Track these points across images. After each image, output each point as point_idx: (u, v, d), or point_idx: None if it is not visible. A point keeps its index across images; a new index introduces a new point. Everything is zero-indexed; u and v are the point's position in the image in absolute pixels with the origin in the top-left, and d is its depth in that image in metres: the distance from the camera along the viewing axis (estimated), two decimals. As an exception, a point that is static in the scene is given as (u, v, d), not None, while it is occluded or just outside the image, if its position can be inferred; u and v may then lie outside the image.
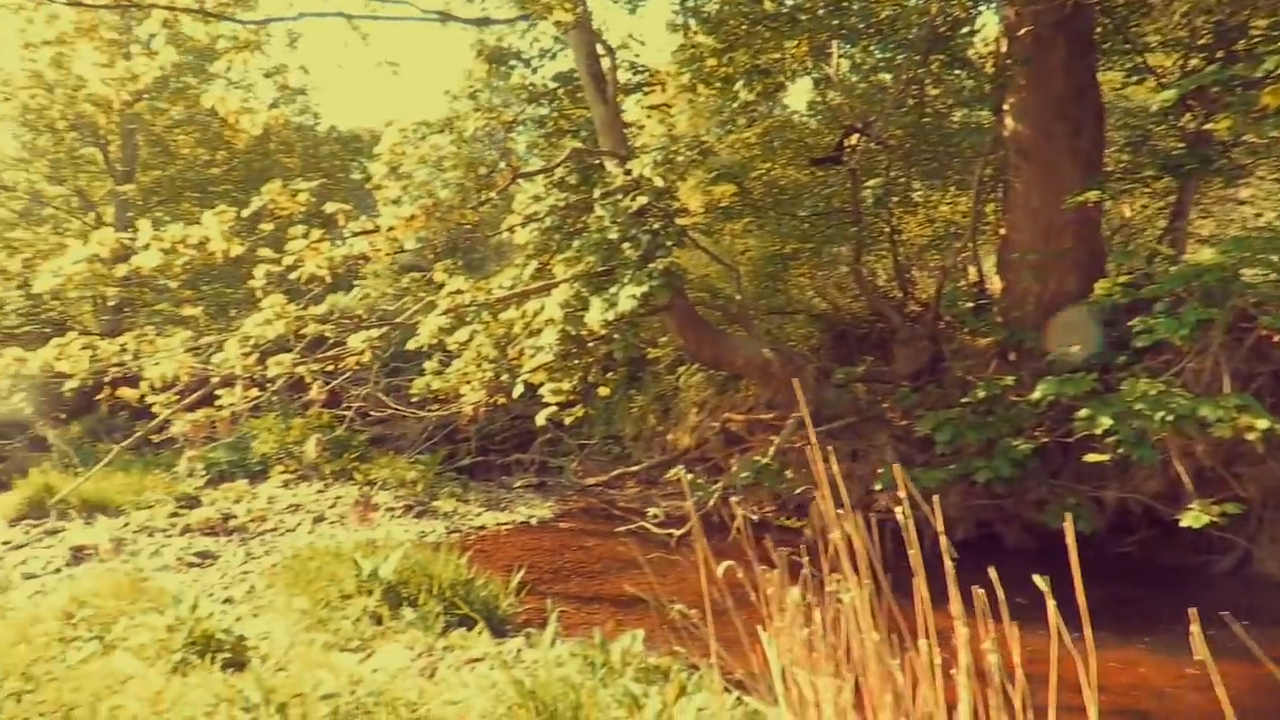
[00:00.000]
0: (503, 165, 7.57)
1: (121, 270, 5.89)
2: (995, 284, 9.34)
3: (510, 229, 8.54)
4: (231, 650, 4.53)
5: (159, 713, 2.97)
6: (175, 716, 2.96)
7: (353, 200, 9.17)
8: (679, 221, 8.15)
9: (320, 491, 10.80)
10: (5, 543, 9.46)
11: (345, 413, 10.50)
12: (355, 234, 6.58)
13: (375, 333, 6.69)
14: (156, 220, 15.36)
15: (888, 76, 9.74)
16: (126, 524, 9.56)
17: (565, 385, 8.75)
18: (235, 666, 4.36)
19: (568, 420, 9.36)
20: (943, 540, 2.04)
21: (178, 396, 7.90)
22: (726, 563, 2.94)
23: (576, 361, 8.62)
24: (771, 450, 7.60)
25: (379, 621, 5.38)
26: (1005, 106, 7.86)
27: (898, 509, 2.23)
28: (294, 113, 17.22)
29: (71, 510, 9.79)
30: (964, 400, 7.35)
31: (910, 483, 2.41)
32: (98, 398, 7.88)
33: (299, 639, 4.90)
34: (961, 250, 9.66)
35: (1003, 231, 8.54)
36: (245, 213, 5.95)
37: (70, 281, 5.84)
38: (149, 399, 7.69)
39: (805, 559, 2.63)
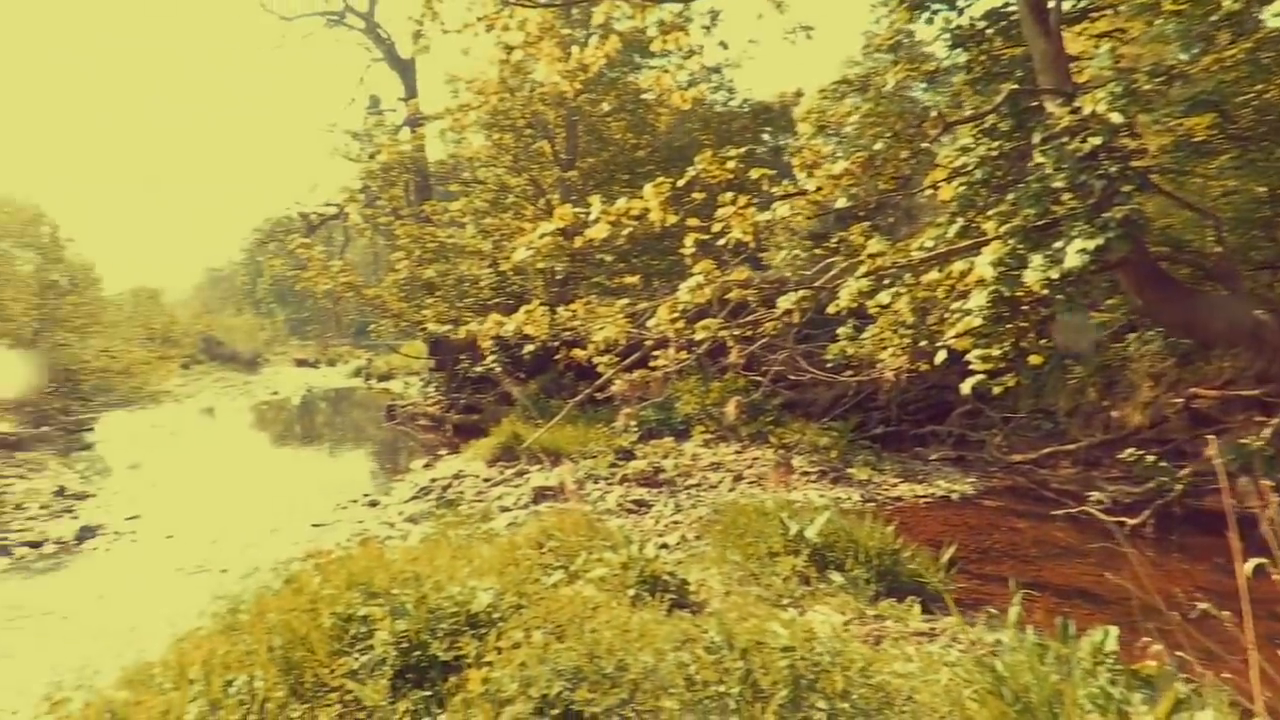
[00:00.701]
0: (934, 113, 7.12)
1: (578, 241, 6.57)
2: None
3: (934, 185, 8.04)
4: (676, 592, 4.86)
5: (630, 640, 3.26)
6: (645, 645, 3.22)
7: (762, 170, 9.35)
8: (1135, 164, 7.02)
9: (738, 452, 11.31)
10: (486, 479, 11.31)
11: (759, 378, 10.83)
12: (782, 196, 6.63)
13: (801, 295, 6.70)
14: (589, 203, 17.37)
15: None
16: (575, 471, 10.86)
17: (995, 352, 8.07)
18: (681, 607, 4.67)
19: (995, 391, 8.65)
20: None
21: (617, 358, 8.71)
22: (1257, 560, 2.43)
23: (1008, 325, 7.89)
24: (1268, 431, 6.27)
25: (807, 582, 5.43)
26: None
27: None
28: (709, 90, 18.19)
29: (533, 456, 11.36)
30: None
31: None
32: (556, 358, 8.97)
33: (734, 589, 5.12)
34: None
35: None
36: (680, 182, 6.29)
37: (539, 253, 6.65)
38: (595, 360, 8.57)
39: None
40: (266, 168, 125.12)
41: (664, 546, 7.29)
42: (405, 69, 23.51)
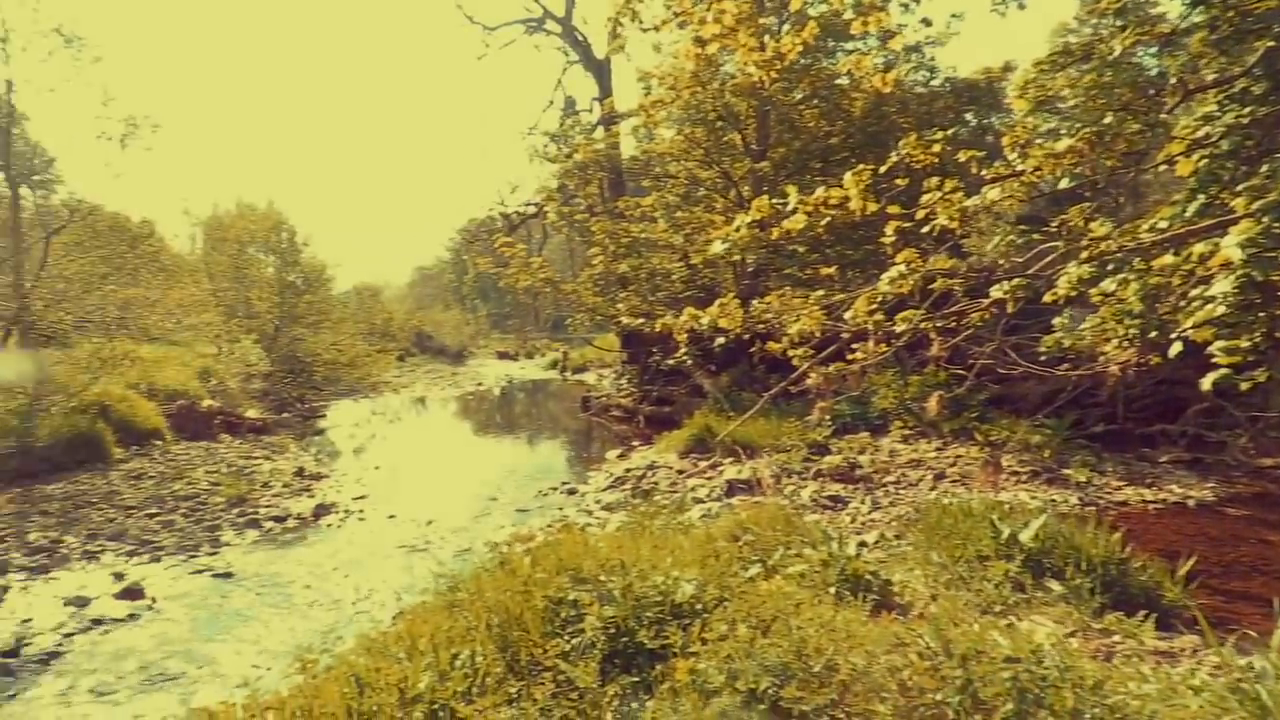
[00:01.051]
0: (1172, 80, 6.45)
1: (775, 233, 6.50)
2: None
3: (1169, 160, 7.30)
4: (879, 593, 4.73)
5: (836, 639, 3.20)
6: (854, 646, 3.16)
7: (971, 151, 8.82)
8: None
9: (939, 449, 10.82)
10: (679, 471, 11.48)
11: (963, 371, 10.29)
12: (992, 179, 6.26)
13: (1014, 283, 6.30)
14: (783, 193, 17.10)
15: None
16: (768, 464, 10.80)
17: (1243, 344, 7.24)
18: (885, 608, 4.53)
19: (1242, 387, 7.77)
20: None
21: (812, 351, 8.55)
22: None
23: (1260, 314, 7.05)
24: None
25: (1021, 589, 5.11)
26: None
27: None
28: (909, 70, 17.44)
29: (726, 449, 11.40)
30: None
31: None
32: (750, 350, 8.94)
33: (941, 593, 4.91)
34: None
35: None
36: (883, 169, 6.07)
37: (735, 246, 6.64)
38: (789, 353, 8.46)
39: None
40: (470, 170, 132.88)
41: (863, 545, 7.10)
42: (600, 69, 24.21)
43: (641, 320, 16.40)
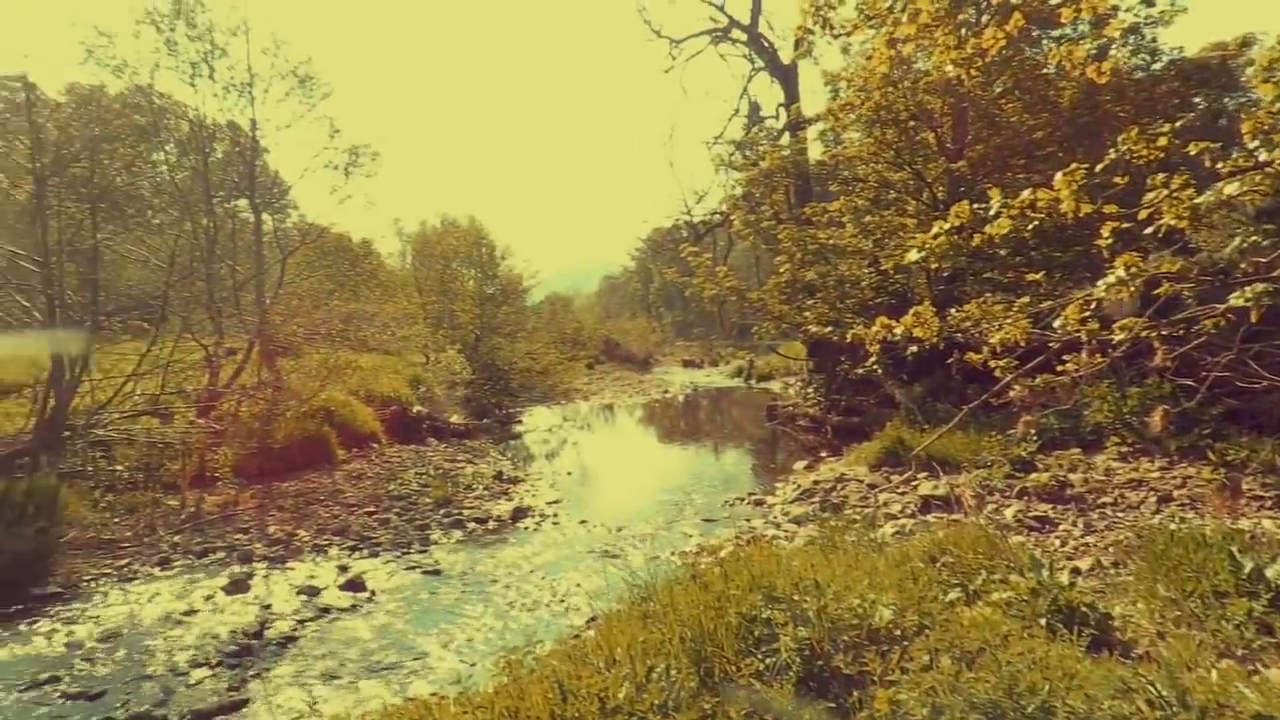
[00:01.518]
0: None
1: (977, 239, 6.19)
2: None
3: None
4: (1097, 627, 4.37)
5: (1051, 678, 2.99)
6: (1072, 688, 2.94)
7: (1203, 143, 7.99)
8: None
9: (1164, 468, 9.87)
10: (870, 485, 11.13)
11: (1193, 383, 9.33)
12: (1231, 172, 5.65)
13: (1260, 288, 5.66)
14: (981, 194, 16.17)
15: None
16: (967, 480, 10.26)
17: None
18: (1103, 646, 4.19)
19: None
20: None
21: (1016, 361, 8.06)
22: None
23: None
24: None
25: (1269, 632, 4.56)
26: None
27: None
28: (1126, 56, 16.06)
29: (920, 462, 10.94)
30: None
31: None
32: (948, 361, 8.55)
33: (1169, 631, 4.47)
34: None
35: None
36: (1099, 168, 5.63)
37: (932, 253, 6.37)
38: (991, 364, 8.00)
39: None
40: (651, 178, 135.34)
41: (1075, 572, 6.59)
42: (787, 74, 24.00)
43: (829, 328, 16.09)
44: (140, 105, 15.68)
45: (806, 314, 16.81)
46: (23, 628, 7.07)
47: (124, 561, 8.90)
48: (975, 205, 6.27)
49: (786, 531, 9.35)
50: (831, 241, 17.66)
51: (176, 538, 9.76)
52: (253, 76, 16.20)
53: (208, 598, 7.79)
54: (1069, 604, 4.51)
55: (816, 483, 11.79)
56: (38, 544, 8.29)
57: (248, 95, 16.23)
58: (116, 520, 10.00)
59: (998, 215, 6.32)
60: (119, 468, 11.24)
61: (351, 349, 18.12)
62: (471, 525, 10.57)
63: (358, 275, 19.53)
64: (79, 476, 10.57)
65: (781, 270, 17.54)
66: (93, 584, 8.25)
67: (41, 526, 8.44)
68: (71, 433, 11.09)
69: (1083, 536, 7.98)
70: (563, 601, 7.58)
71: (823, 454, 14.96)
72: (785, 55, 24.22)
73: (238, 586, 8.03)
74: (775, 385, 30.03)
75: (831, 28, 6.51)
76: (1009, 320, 7.86)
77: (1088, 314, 7.03)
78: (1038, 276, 7.72)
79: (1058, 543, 7.91)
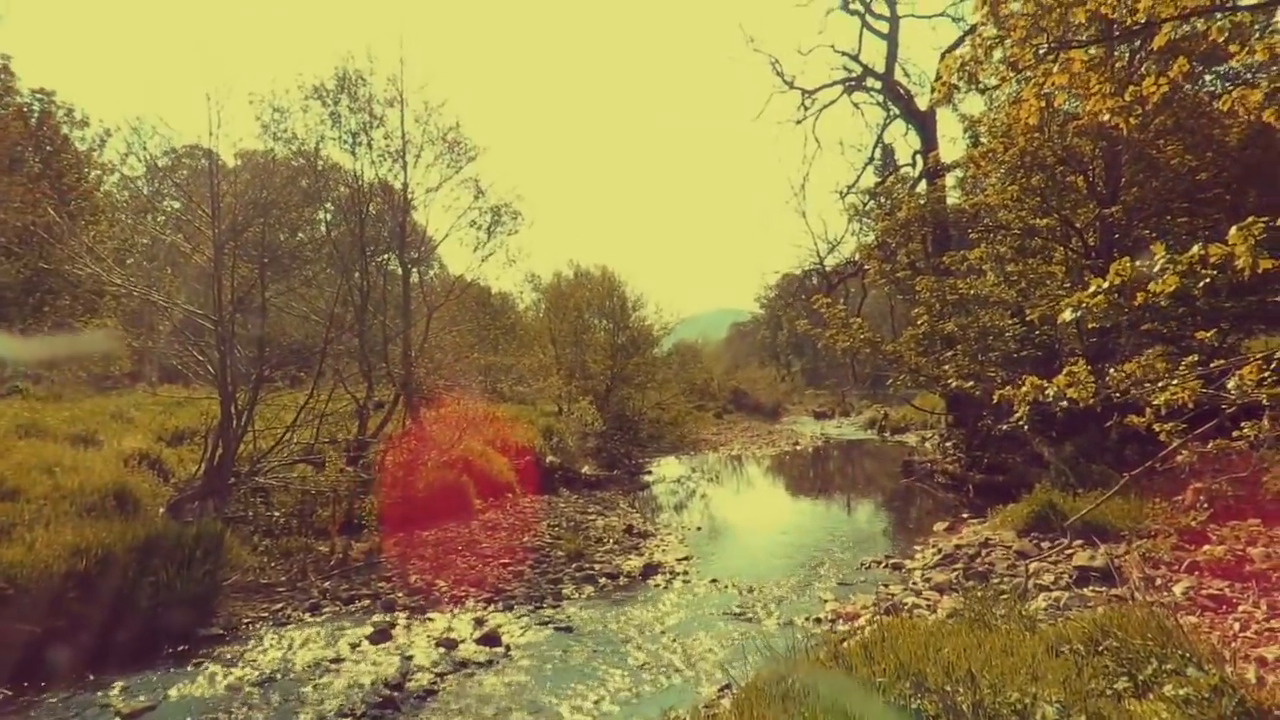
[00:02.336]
0: None
1: (1140, 298, 5.80)
2: None
3: None
4: (1296, 737, 3.91)
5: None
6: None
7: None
8: None
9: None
10: (1018, 552, 10.50)
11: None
12: None
13: None
14: (1138, 241, 15.22)
15: None
16: (1127, 551, 9.52)
17: None
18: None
19: None
20: None
21: (1184, 425, 7.46)
22: None
23: None
24: None
25: None
26: None
27: None
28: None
29: (1076, 529, 10.23)
30: None
31: None
32: (1107, 425, 8.01)
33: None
34: None
35: None
36: (1280, 220, 5.19)
37: (1091, 313, 6.01)
38: (1156, 427, 7.43)
39: None
40: (781, 226, 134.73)
41: (1260, 662, 5.96)
42: (924, 121, 23.54)
43: (970, 382, 15.40)
44: (305, 170, 16.95)
45: (945, 366, 16.18)
46: (189, 668, 7.52)
47: (279, 605, 9.38)
48: (1137, 261, 5.89)
49: (928, 600, 8.90)
50: (972, 291, 16.99)
51: (326, 583, 10.22)
52: (405, 143, 17.23)
53: (354, 645, 8.08)
54: (1259, 707, 4.06)
55: (959, 547, 11.21)
56: (205, 586, 8.86)
57: (400, 161, 17.26)
58: (273, 565, 10.58)
59: (1163, 272, 5.91)
60: (277, 513, 11.91)
61: (489, 399, 18.72)
62: (603, 581, 10.59)
63: (497, 328, 20.24)
64: (241, 521, 11.27)
65: (920, 321, 16.99)
66: (250, 626, 8.73)
67: (208, 569, 9.01)
68: (236, 479, 11.86)
69: (1266, 620, 7.22)
70: (694, 666, 7.44)
71: (964, 514, 14.25)
72: (922, 102, 23.79)
73: (381, 635, 8.30)
74: (910, 438, 29.00)
75: (977, 82, 6.34)
76: (1175, 381, 7.28)
77: (1267, 375, 6.45)
78: (1207, 336, 7.13)
79: (1237, 625, 7.18)
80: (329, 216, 20.25)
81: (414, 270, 20.46)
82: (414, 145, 17.40)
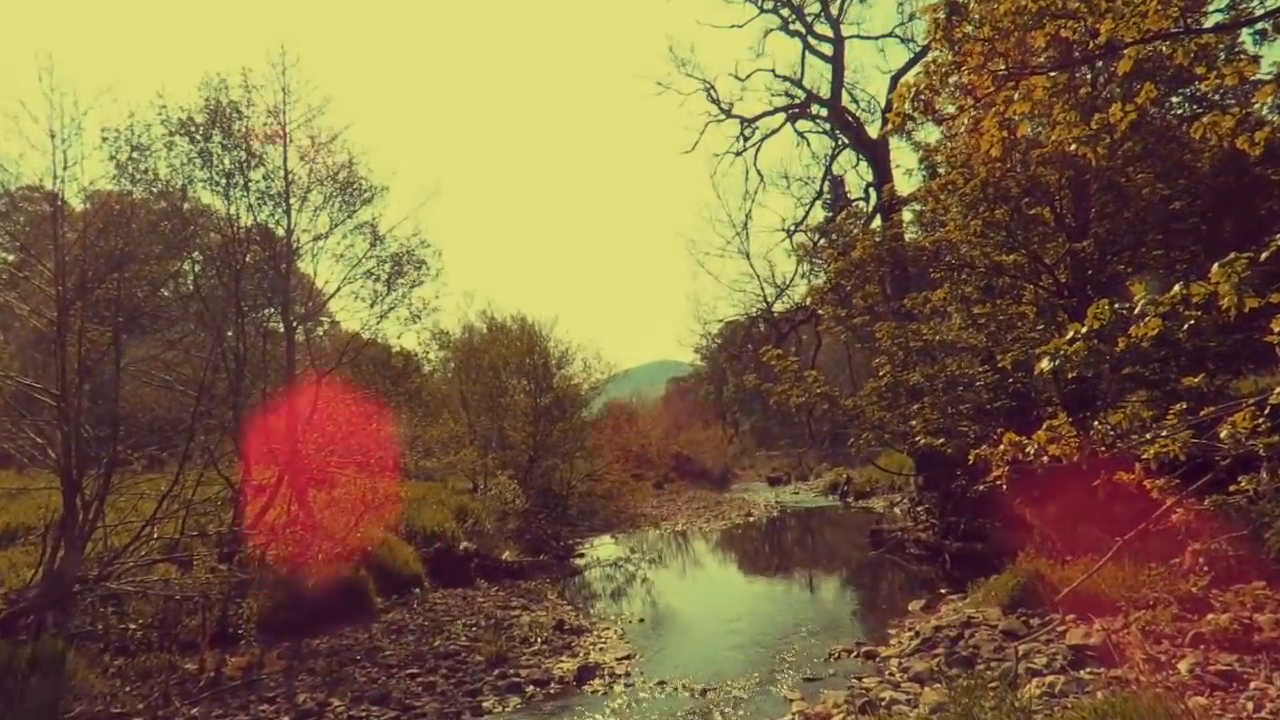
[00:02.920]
0: None
1: (1121, 344, 6.02)
2: None
3: None
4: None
5: None
6: None
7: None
8: None
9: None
10: (1005, 631, 10.64)
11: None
12: None
13: None
14: (1113, 277, 15.85)
15: None
16: (1125, 625, 9.72)
17: None
18: None
19: None
20: None
21: (1177, 480, 7.70)
22: None
23: None
24: None
25: None
26: None
27: None
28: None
29: (1066, 602, 10.41)
30: None
31: None
32: (1094, 484, 8.22)
33: None
34: None
35: None
36: (1265, 255, 5.45)
37: (1069, 361, 6.20)
38: (1147, 484, 7.66)
39: None
40: (721, 267, 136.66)
41: (1279, 748, 6.10)
42: (875, 151, 24.35)
43: (940, 439, 15.71)
44: (169, 213, 16.57)
45: (912, 421, 16.49)
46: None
47: (136, 740, 8.91)
48: (1117, 305, 6.12)
49: (907, 693, 8.92)
50: (937, 337, 17.43)
51: (194, 710, 9.75)
52: (289, 184, 17.04)
53: (229, 786, 7.71)
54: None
55: (938, 628, 11.31)
56: (43, 720, 8.37)
57: (283, 205, 17.04)
58: (128, 689, 10.03)
59: (1143, 315, 6.15)
60: (133, 625, 11.36)
61: (392, 477, 18.34)
62: (530, 689, 10.33)
63: (399, 395, 19.94)
64: (88, 637, 10.71)
65: (881, 372, 17.33)
66: (102, 767, 8.25)
67: (46, 701, 8.53)
68: (82, 586, 11.30)
69: (1280, 698, 7.42)
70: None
71: (941, 589, 14.43)
72: (873, 130, 24.64)
73: (264, 770, 7.95)
74: (877, 504, 29.41)
75: (934, 111, 6.58)
76: (1165, 433, 7.54)
77: (1262, 421, 6.72)
78: (1196, 381, 7.42)
79: (1250, 705, 7.35)
80: (197, 268, 19.77)
81: (300, 328, 20.10)
82: (299, 186, 17.24)
